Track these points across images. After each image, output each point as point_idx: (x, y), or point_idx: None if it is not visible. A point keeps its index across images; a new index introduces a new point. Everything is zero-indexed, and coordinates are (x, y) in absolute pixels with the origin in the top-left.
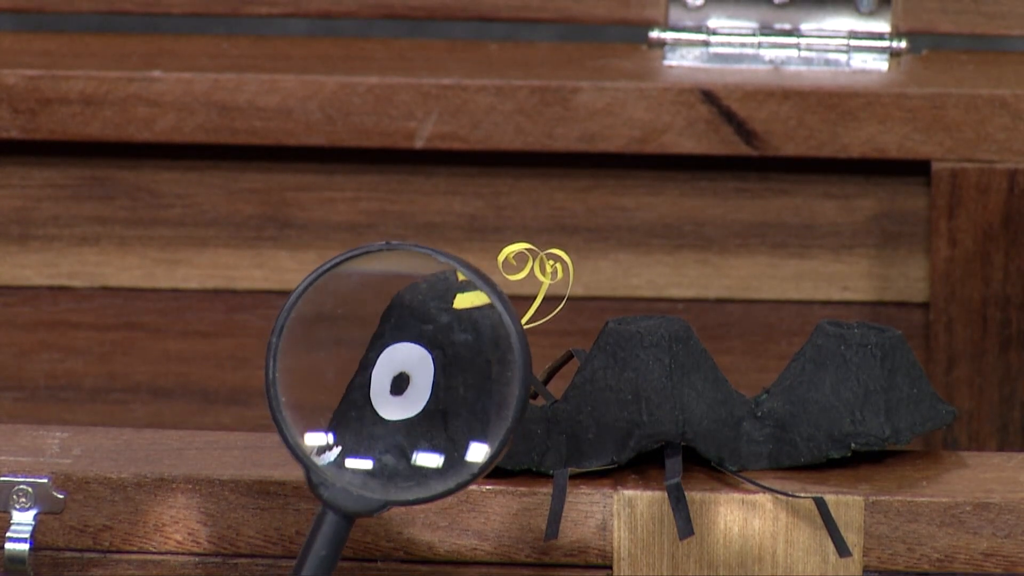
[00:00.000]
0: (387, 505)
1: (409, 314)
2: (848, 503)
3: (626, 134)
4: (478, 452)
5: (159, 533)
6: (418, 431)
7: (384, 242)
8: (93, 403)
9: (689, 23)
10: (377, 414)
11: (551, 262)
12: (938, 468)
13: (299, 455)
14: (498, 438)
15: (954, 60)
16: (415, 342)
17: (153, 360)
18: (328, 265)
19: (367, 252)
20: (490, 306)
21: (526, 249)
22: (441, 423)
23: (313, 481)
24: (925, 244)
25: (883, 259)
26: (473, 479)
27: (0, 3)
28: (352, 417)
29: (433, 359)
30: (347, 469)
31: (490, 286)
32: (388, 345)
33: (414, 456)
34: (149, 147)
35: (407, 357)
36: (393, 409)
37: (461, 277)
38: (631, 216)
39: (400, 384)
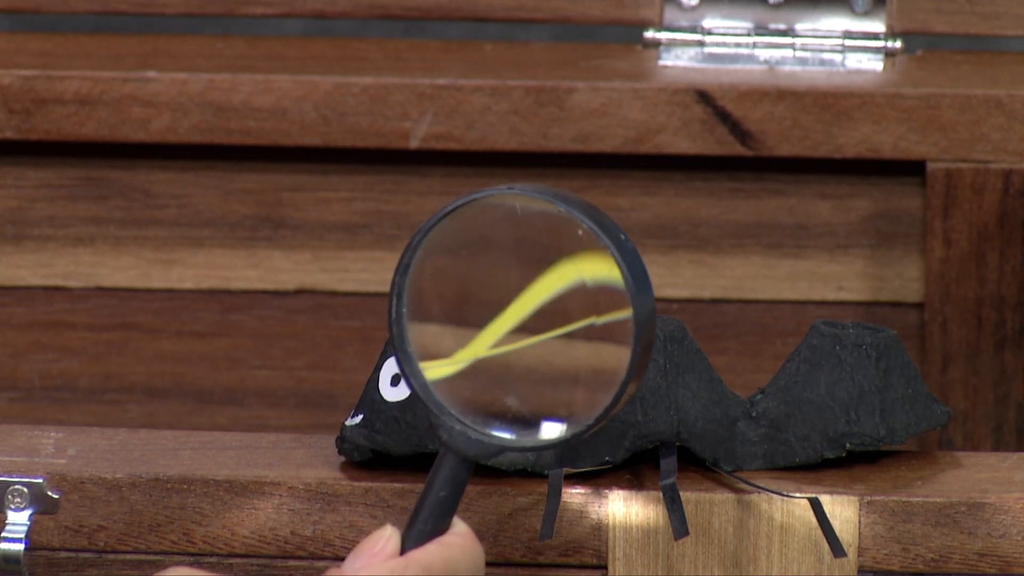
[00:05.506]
0: (504, 451)
1: None
2: (843, 503)
3: (621, 134)
4: (596, 404)
5: (154, 533)
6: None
7: (507, 186)
8: (88, 403)
9: (684, 23)
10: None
11: None
12: (933, 468)
13: (421, 395)
14: (614, 388)
15: (949, 60)
16: None
17: (148, 360)
18: (454, 206)
19: (489, 195)
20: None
21: None
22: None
23: (433, 423)
24: (920, 244)
25: (878, 259)
26: (589, 429)
27: None
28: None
29: None
30: (468, 412)
31: (611, 236)
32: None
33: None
34: (144, 147)
35: None
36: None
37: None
38: (626, 216)
39: None
